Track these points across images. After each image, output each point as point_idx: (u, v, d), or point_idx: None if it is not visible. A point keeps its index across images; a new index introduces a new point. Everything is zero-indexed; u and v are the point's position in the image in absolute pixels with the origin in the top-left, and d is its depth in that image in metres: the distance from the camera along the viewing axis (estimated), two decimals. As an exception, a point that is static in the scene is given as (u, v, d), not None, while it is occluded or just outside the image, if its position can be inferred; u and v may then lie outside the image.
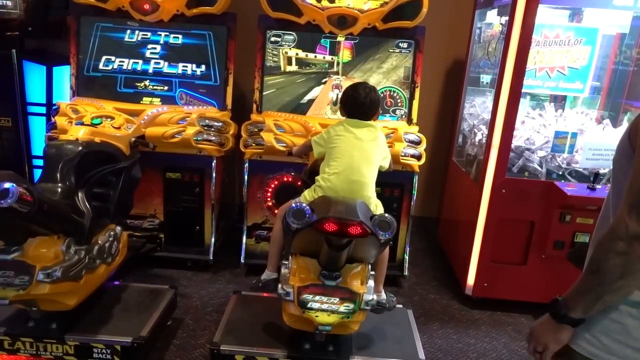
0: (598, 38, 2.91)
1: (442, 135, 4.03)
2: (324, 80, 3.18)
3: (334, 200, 1.95)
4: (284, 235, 2.10)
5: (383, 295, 2.36)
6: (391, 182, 3.02)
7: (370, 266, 2.08)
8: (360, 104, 2.26)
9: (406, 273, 3.21)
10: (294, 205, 1.88)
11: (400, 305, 2.67)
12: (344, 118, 2.33)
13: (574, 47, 2.93)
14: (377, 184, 2.21)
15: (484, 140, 3.00)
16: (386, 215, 1.89)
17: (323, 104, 3.19)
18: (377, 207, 2.21)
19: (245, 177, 3.07)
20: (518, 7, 2.59)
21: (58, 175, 2.09)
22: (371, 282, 2.03)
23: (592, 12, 2.94)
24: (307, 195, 2.20)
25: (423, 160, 2.98)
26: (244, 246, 3.21)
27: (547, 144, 2.87)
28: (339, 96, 3.14)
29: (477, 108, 3.40)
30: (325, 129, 2.37)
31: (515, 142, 2.87)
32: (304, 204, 1.89)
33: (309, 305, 1.93)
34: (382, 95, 3.17)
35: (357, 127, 2.25)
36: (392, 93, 3.19)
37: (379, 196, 2.26)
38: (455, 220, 3.54)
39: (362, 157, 2.18)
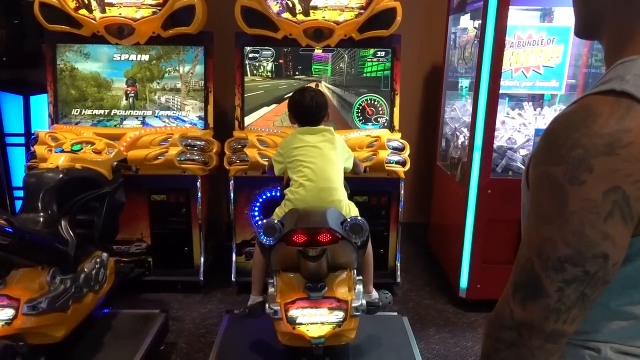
0: (570, 36, 2.97)
1: (426, 140, 4.06)
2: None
3: (303, 212, 1.94)
4: (262, 254, 2.09)
5: (375, 295, 2.31)
6: (378, 190, 3.02)
7: (355, 271, 2.06)
8: (306, 108, 2.25)
9: (399, 280, 3.20)
10: (264, 222, 1.87)
11: (395, 313, 2.65)
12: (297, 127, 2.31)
13: (547, 46, 2.98)
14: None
15: (466, 143, 3.03)
16: (357, 217, 1.88)
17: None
18: (351, 210, 2.19)
19: (232, 194, 3.05)
20: (489, 10, 2.64)
21: (39, 205, 2.05)
22: (359, 287, 2.02)
23: (562, 11, 3.00)
24: (279, 211, 2.18)
25: (408, 167, 3.00)
26: (234, 264, 3.17)
27: (529, 142, 2.90)
28: None
29: (457, 111, 3.43)
30: (280, 144, 2.33)
31: (497, 143, 2.90)
32: (273, 220, 1.88)
33: (298, 321, 1.90)
34: (360, 104, 3.20)
35: (310, 134, 2.23)
36: (372, 102, 3.21)
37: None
38: (445, 224, 3.54)
39: (324, 163, 2.16)
